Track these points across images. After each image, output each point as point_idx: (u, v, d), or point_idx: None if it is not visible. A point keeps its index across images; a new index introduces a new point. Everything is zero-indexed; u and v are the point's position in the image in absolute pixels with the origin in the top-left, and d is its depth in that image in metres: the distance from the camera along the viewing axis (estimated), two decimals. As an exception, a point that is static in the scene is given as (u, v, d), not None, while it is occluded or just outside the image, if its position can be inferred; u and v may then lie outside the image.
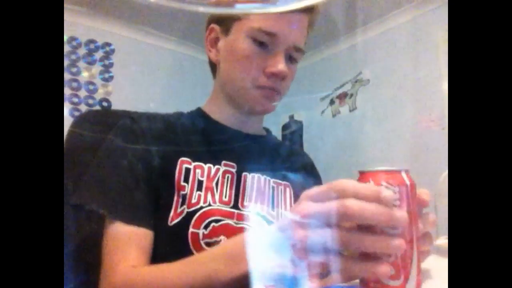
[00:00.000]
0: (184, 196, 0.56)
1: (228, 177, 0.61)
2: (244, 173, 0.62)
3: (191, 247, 0.53)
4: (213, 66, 0.70)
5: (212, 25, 0.66)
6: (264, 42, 0.59)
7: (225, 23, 0.63)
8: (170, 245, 0.54)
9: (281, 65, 0.59)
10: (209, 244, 0.53)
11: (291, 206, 0.64)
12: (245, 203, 0.59)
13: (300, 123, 2.95)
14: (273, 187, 0.64)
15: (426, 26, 2.21)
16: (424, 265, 0.49)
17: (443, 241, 0.57)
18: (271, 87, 0.61)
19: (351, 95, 2.68)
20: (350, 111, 2.68)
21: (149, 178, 0.56)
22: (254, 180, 0.63)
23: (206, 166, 0.60)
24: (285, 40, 0.59)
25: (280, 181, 0.66)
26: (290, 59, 0.63)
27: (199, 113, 0.69)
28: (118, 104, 2.57)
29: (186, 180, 0.57)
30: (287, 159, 0.74)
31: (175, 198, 0.56)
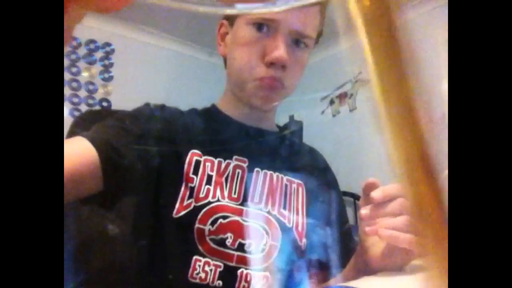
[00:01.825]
0: (192, 189, 0.55)
1: (238, 172, 0.59)
2: (256, 169, 0.61)
3: (197, 242, 0.52)
4: (225, 62, 0.70)
5: (222, 20, 0.67)
6: (263, 26, 0.57)
7: (231, 16, 0.63)
8: (175, 237, 0.53)
9: (279, 51, 0.55)
10: (215, 241, 0.53)
11: (302, 205, 0.63)
12: (255, 201, 0.58)
13: (300, 123, 2.95)
14: (286, 185, 0.62)
15: (426, 26, 2.21)
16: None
17: (443, 241, 0.57)
18: (271, 77, 0.57)
19: (351, 95, 2.68)
20: (350, 111, 2.68)
21: (152, 168, 0.55)
22: (266, 177, 0.61)
23: (216, 161, 0.59)
24: (285, 24, 0.56)
25: (293, 180, 0.64)
26: (298, 46, 0.60)
27: (213, 109, 0.70)
28: (118, 104, 2.58)
29: (196, 172, 0.56)
30: (301, 157, 0.72)
31: (183, 189, 0.55)
